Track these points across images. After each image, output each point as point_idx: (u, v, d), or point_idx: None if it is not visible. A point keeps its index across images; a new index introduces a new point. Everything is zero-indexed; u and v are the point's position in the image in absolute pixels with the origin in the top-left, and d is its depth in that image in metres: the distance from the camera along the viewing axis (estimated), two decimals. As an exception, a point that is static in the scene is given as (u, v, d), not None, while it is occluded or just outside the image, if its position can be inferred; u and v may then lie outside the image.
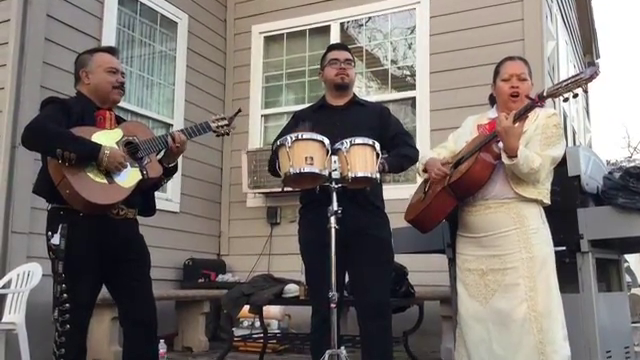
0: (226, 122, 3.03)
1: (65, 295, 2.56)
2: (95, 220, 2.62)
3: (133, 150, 2.75)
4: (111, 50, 2.94)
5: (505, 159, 2.66)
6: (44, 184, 2.64)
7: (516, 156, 2.61)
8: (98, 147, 2.59)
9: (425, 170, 2.99)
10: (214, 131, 3.01)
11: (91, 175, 2.58)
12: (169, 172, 2.95)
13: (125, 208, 2.74)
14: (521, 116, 2.63)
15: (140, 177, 2.71)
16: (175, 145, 2.85)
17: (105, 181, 2.60)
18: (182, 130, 2.94)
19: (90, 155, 2.57)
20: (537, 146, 2.75)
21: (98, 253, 2.64)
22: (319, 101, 3.33)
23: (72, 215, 2.59)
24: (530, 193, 2.75)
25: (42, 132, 2.58)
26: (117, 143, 2.72)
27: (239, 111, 3.11)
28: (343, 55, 3.21)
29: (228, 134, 3.10)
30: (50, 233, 2.62)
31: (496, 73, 2.95)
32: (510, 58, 2.96)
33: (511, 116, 2.63)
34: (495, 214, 2.77)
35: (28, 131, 2.60)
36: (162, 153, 2.91)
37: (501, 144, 2.72)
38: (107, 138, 2.69)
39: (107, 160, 2.58)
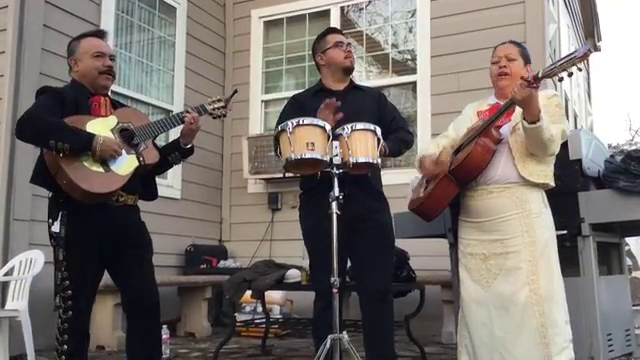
0: (222, 104, 2.99)
1: (67, 282, 2.57)
2: (95, 207, 2.61)
3: (129, 137, 2.73)
4: (99, 33, 2.90)
5: (528, 125, 2.58)
6: (41, 174, 2.63)
7: (539, 120, 2.56)
8: (91, 137, 2.57)
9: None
10: (210, 113, 2.97)
11: (87, 164, 2.56)
12: (186, 153, 2.94)
13: (125, 195, 2.72)
14: (531, 84, 2.52)
15: (137, 164, 2.69)
16: (189, 123, 2.83)
17: (101, 170, 2.59)
18: (180, 112, 2.92)
19: (84, 145, 2.55)
20: None
21: (99, 240, 2.64)
22: (316, 85, 3.31)
23: (72, 203, 2.58)
24: (537, 177, 2.74)
25: (35, 124, 2.56)
26: (112, 130, 2.69)
27: (235, 92, 3.06)
28: (345, 39, 3.22)
29: (225, 116, 3.05)
30: (51, 221, 2.62)
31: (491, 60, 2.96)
32: (502, 43, 2.96)
33: (523, 85, 2.51)
34: (497, 199, 2.76)
35: (21, 123, 2.59)
36: (178, 132, 2.90)
37: (504, 128, 2.74)
38: (102, 126, 2.67)
39: (101, 149, 2.56)
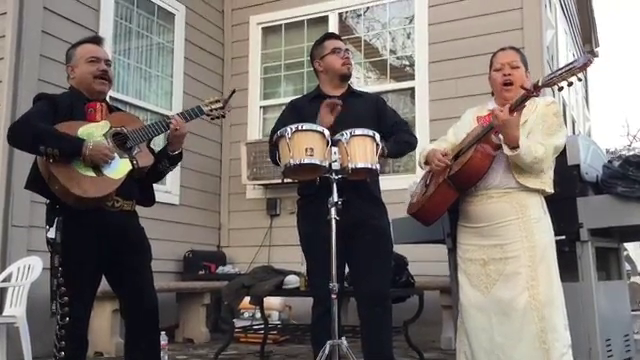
0: (220, 105, 2.96)
1: (63, 288, 2.56)
2: (91, 213, 2.59)
3: (122, 141, 2.70)
4: (94, 40, 2.90)
5: (507, 151, 2.65)
6: (35, 180, 2.62)
7: (518, 147, 2.61)
8: (80, 142, 2.55)
9: (427, 162, 3.00)
10: (208, 114, 2.94)
11: (78, 169, 2.54)
12: (174, 160, 2.89)
13: (121, 200, 2.70)
14: (518, 106, 2.62)
15: (130, 167, 2.66)
16: (174, 129, 2.78)
17: (93, 174, 2.57)
18: (165, 118, 2.87)
19: (73, 150, 2.53)
20: (539, 136, 2.74)
21: (95, 246, 2.63)
22: (314, 91, 3.31)
23: (68, 209, 2.57)
24: (533, 183, 2.74)
25: (25, 130, 2.56)
26: (105, 135, 2.67)
27: (234, 92, 3.04)
28: (343, 45, 3.22)
29: (224, 116, 3.02)
30: (47, 227, 2.61)
31: (490, 65, 2.95)
32: (502, 49, 2.96)
33: (506, 108, 2.62)
34: (497, 204, 2.77)
35: (12, 130, 2.59)
36: (165, 139, 2.87)
37: (501, 136, 2.73)
38: (94, 131, 2.65)
39: (90, 153, 2.54)
